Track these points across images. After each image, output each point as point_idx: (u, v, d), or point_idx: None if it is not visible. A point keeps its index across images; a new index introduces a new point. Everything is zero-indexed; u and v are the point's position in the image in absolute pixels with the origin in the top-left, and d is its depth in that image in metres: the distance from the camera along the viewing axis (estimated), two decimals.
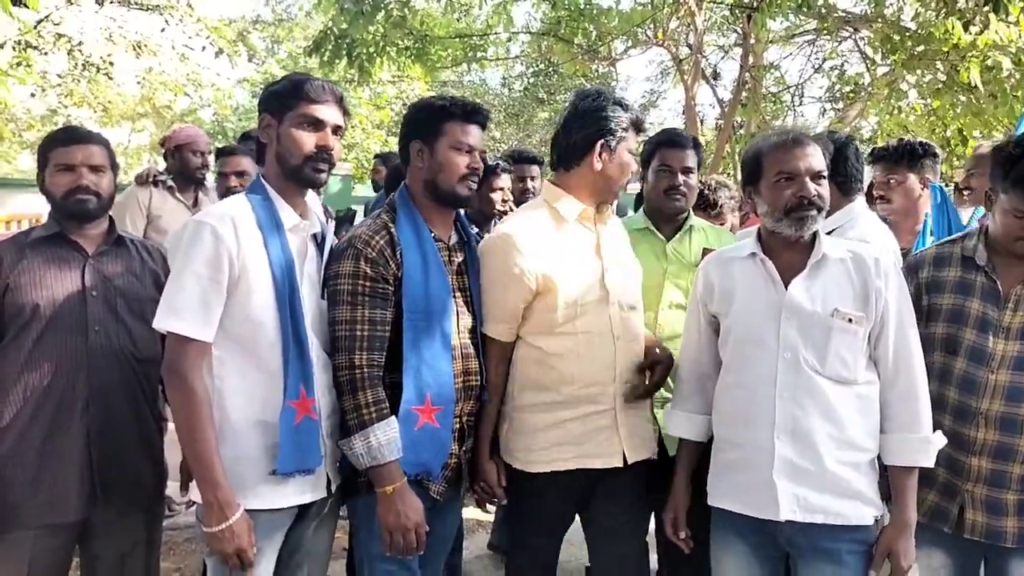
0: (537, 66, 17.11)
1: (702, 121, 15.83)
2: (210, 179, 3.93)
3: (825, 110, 12.25)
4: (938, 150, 2.89)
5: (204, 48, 12.24)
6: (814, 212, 1.80)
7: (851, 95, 9.94)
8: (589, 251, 2.07)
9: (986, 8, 5.54)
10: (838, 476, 1.76)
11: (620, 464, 2.04)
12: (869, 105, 9.05)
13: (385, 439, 1.76)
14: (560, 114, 2.11)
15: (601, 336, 2.03)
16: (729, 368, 1.91)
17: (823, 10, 6.59)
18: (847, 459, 1.76)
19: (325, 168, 1.81)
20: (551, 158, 2.12)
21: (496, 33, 9.92)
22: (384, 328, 1.82)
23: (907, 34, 6.30)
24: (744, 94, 10.26)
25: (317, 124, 1.78)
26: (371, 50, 8.12)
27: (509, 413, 2.07)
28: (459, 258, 2.01)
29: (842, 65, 11.51)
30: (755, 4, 7.09)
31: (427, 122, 1.93)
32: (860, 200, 2.52)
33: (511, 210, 3.18)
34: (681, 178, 2.39)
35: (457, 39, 9.41)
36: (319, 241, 1.90)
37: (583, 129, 2.00)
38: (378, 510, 1.78)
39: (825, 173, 1.85)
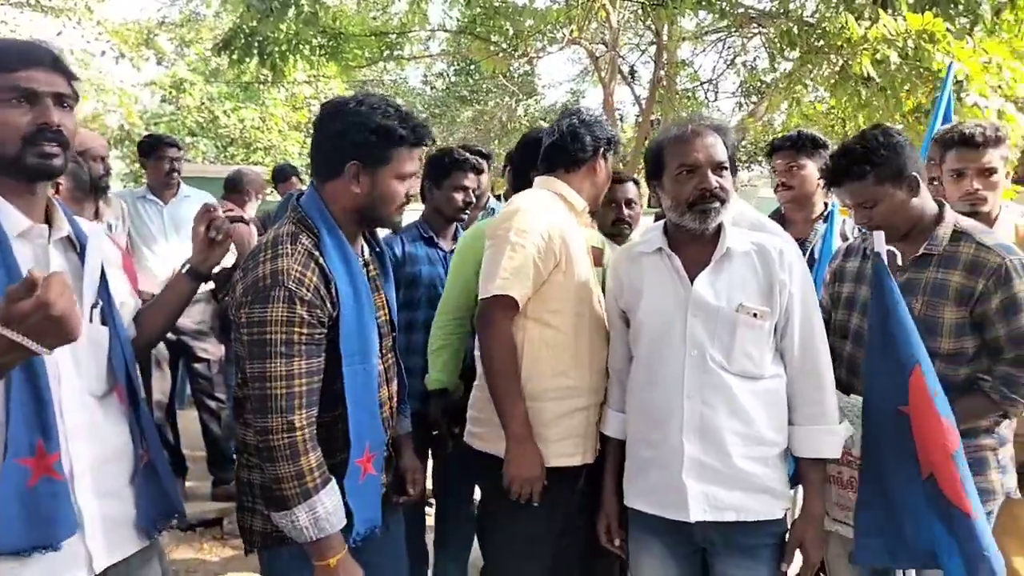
0: (458, 64, 17.03)
1: (622, 119, 16.12)
2: (114, 186, 3.70)
3: (741, 104, 12.63)
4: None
5: (104, 53, 11.67)
6: (717, 204, 1.78)
7: (761, 90, 10.28)
8: (584, 247, 2.11)
9: (875, 3, 5.81)
10: (746, 472, 1.75)
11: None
12: (774, 100, 9.36)
13: (332, 506, 1.55)
14: (558, 122, 2.16)
15: (600, 330, 2.07)
16: (639, 365, 1.89)
17: (725, 7, 6.76)
18: (755, 455, 1.76)
19: (56, 151, 1.40)
20: (546, 161, 2.16)
21: (413, 31, 9.79)
22: (320, 378, 1.59)
23: (805, 28, 6.52)
24: (659, 91, 10.47)
25: (31, 97, 1.37)
26: (283, 48, 7.88)
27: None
28: (374, 272, 1.82)
29: (754, 60, 11.90)
30: (660, 0, 7.23)
31: (375, 147, 1.63)
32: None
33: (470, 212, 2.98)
34: (626, 211, 2.62)
35: (372, 37, 9.23)
36: (78, 247, 1.51)
37: (593, 135, 2.12)
38: None
39: (727, 164, 1.82)
